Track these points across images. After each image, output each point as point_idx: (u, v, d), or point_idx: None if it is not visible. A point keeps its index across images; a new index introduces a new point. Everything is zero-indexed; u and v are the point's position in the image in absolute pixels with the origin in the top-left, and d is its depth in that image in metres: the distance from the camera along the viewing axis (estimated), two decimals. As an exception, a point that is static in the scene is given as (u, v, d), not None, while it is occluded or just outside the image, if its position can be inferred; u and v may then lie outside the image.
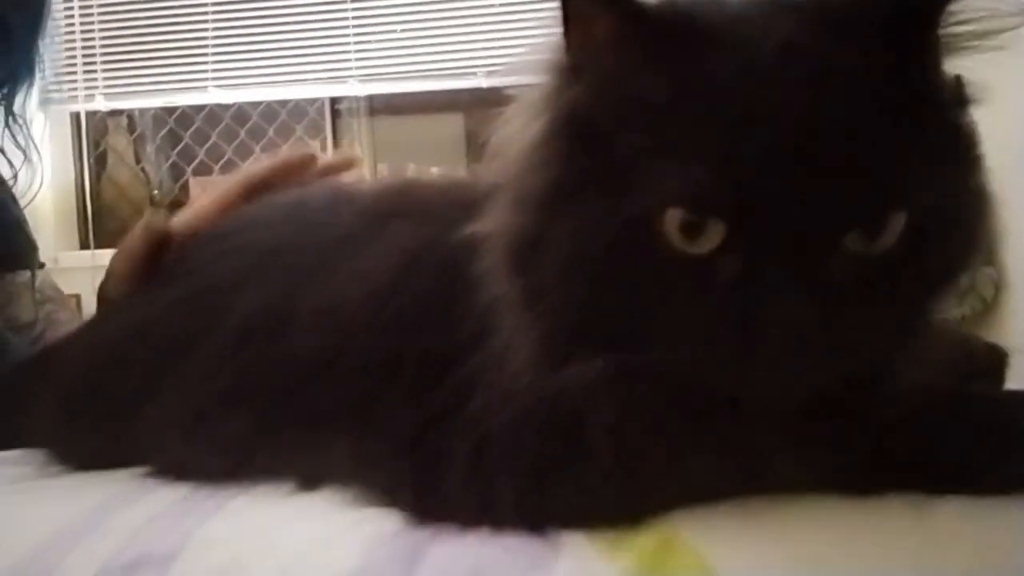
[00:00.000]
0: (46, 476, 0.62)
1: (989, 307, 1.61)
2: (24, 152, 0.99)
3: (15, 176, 0.99)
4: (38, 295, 0.98)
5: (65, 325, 0.95)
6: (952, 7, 0.39)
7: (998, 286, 1.58)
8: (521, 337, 0.44)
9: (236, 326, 0.57)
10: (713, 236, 0.37)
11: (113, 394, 0.61)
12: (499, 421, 0.44)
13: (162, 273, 0.68)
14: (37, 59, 0.96)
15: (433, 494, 0.46)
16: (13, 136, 0.98)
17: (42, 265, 1.00)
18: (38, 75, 0.96)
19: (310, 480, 0.52)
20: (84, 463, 0.62)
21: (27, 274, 0.95)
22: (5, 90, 0.94)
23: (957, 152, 0.41)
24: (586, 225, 0.40)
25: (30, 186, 0.98)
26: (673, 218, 0.38)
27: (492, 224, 0.45)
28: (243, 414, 0.55)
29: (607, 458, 0.42)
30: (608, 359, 0.40)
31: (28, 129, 1.00)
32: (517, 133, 0.45)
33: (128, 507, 0.51)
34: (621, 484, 0.43)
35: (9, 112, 0.96)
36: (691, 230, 0.38)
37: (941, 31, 0.40)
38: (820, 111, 0.36)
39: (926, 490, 0.41)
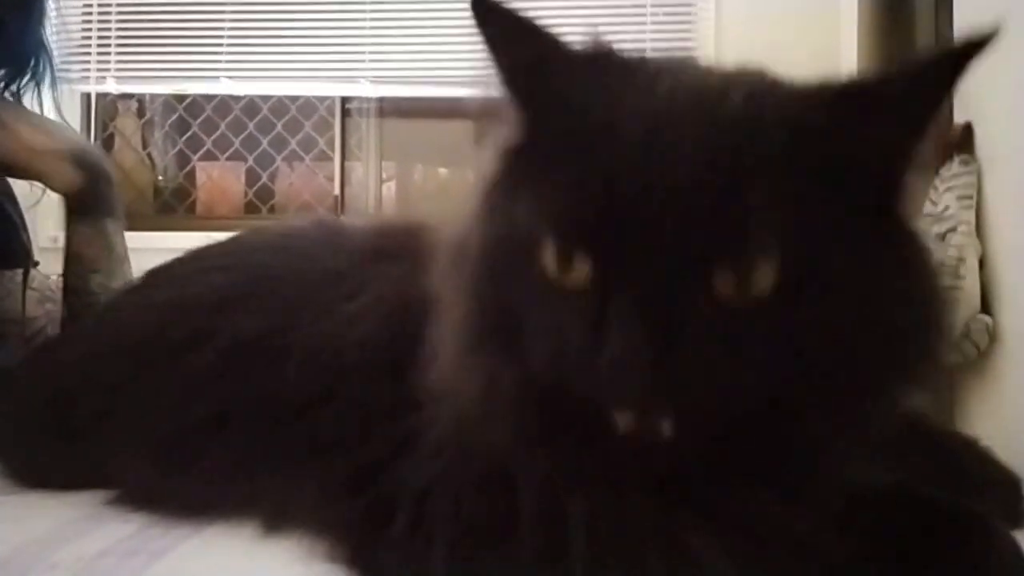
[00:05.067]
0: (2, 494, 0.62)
1: (983, 354, 1.60)
2: None
3: None
4: (37, 294, 0.98)
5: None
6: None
7: (992, 335, 1.57)
8: (446, 336, 0.45)
9: (224, 349, 0.57)
10: (582, 270, 0.38)
11: (80, 411, 0.61)
12: (438, 477, 0.45)
13: (140, 286, 0.68)
14: (42, 52, 0.95)
15: (372, 549, 0.46)
16: None
17: (36, 264, 1.00)
18: (42, 66, 0.95)
19: (276, 516, 0.52)
20: (43, 482, 0.62)
21: (20, 272, 0.95)
22: (2, 84, 0.93)
23: (876, 235, 0.39)
24: (490, 238, 0.42)
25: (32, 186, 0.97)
26: (547, 248, 0.39)
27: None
28: (226, 441, 0.54)
29: (536, 536, 0.42)
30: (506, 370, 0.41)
31: None
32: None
33: (78, 538, 0.51)
34: (548, 565, 0.42)
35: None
36: (563, 262, 0.38)
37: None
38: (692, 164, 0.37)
39: None
